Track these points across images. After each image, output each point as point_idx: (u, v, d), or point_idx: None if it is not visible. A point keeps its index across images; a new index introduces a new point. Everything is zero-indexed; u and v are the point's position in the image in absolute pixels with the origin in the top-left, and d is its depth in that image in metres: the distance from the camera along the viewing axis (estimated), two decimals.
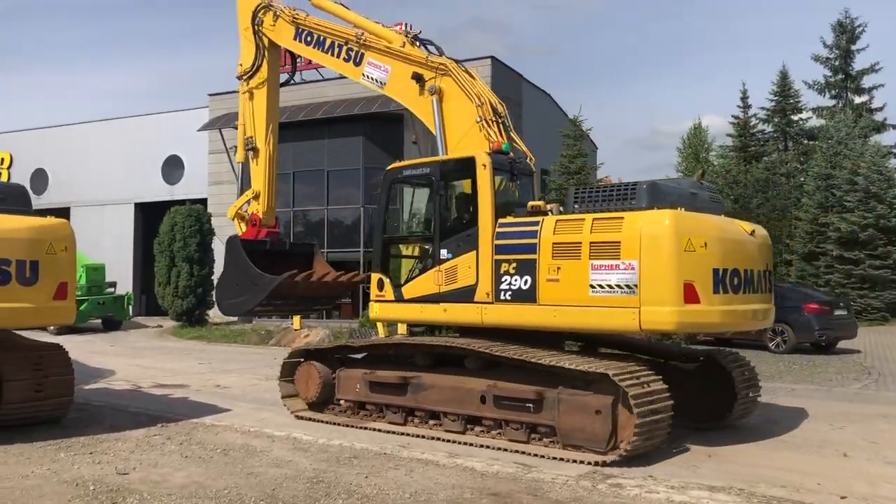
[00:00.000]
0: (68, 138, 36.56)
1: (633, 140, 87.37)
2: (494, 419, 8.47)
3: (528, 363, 8.06)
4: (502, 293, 8.50)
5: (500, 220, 8.69)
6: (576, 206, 8.42)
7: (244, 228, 11.29)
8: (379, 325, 18.84)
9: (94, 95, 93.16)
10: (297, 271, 10.45)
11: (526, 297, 8.30)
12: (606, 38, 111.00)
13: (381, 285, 9.60)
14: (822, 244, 28.35)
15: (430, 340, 9.54)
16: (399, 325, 16.91)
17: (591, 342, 9.43)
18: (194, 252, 26.58)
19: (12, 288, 8.42)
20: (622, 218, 7.83)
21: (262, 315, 19.59)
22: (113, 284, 27.99)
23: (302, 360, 10.26)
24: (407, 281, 9.47)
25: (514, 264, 8.42)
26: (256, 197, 11.35)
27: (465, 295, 8.77)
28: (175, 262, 26.58)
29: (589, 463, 7.49)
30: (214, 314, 26.42)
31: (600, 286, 7.80)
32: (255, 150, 11.39)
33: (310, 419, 9.86)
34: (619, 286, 7.69)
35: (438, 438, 8.66)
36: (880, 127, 38.99)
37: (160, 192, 34.06)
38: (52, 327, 21.62)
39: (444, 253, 9.02)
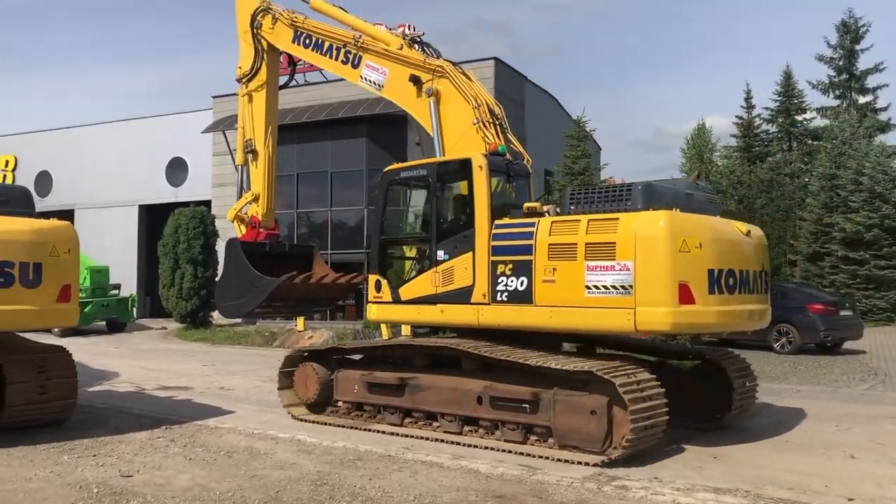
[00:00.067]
0: (72, 141, 36.79)
1: (637, 141, 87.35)
2: (491, 420, 8.50)
3: (516, 364, 8.10)
4: (499, 294, 8.53)
5: (497, 222, 8.73)
6: (572, 207, 8.45)
7: (244, 231, 11.34)
8: (383, 326, 18.85)
9: (95, 97, 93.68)
10: (296, 273, 10.49)
11: (522, 298, 8.33)
12: (608, 39, 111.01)
13: (378, 287, 9.64)
14: (826, 244, 28.26)
15: (419, 341, 9.61)
16: (403, 326, 16.92)
17: (589, 343, 9.44)
18: (198, 254, 26.71)
19: (15, 290, 8.46)
20: (617, 219, 7.86)
21: (263, 317, 19.66)
22: (117, 286, 28.13)
23: (299, 364, 10.31)
24: (404, 282, 9.52)
25: (510, 265, 8.45)
26: (256, 199, 11.40)
27: (462, 296, 8.81)
28: (179, 264, 26.72)
29: (594, 465, 7.47)
30: (218, 316, 26.50)
31: (596, 287, 7.82)
32: (254, 152, 11.44)
33: (307, 420, 9.89)
34: (614, 287, 7.71)
35: (435, 439, 8.69)
36: (885, 127, 38.80)
37: (164, 194, 34.23)
38: (56, 329, 21.72)
39: (440, 254, 9.06)
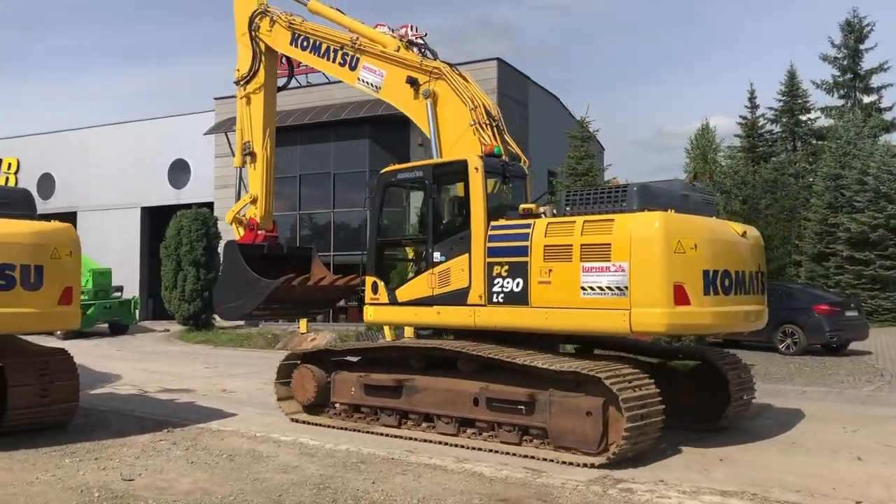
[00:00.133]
0: (75, 143, 36.89)
1: (640, 141, 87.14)
2: (487, 421, 8.49)
3: (505, 363, 8.11)
4: (495, 296, 8.53)
5: (493, 223, 8.73)
6: (567, 208, 8.43)
7: (242, 233, 11.35)
8: (385, 327, 18.85)
9: (98, 99, 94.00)
10: (294, 275, 10.51)
11: (518, 299, 8.33)
12: (611, 39, 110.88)
13: (375, 288, 9.65)
14: (831, 245, 28.11)
15: (411, 342, 9.63)
16: (406, 327, 16.90)
17: (587, 344, 9.42)
18: (201, 256, 26.74)
19: (17, 293, 8.45)
20: (612, 220, 7.85)
21: (263, 319, 19.66)
22: (119, 289, 28.21)
23: (297, 363, 10.31)
24: (401, 284, 9.52)
25: (506, 267, 8.44)
26: (254, 201, 11.43)
27: (458, 297, 8.82)
28: (181, 266, 26.76)
29: (599, 466, 7.44)
30: (220, 318, 26.50)
31: (591, 288, 7.81)
32: (252, 154, 11.47)
33: (305, 422, 9.90)
34: (609, 288, 7.70)
35: (432, 441, 8.68)
36: (889, 126, 38.58)
37: (167, 196, 34.29)
38: (58, 332, 21.76)
39: (437, 256, 9.06)
